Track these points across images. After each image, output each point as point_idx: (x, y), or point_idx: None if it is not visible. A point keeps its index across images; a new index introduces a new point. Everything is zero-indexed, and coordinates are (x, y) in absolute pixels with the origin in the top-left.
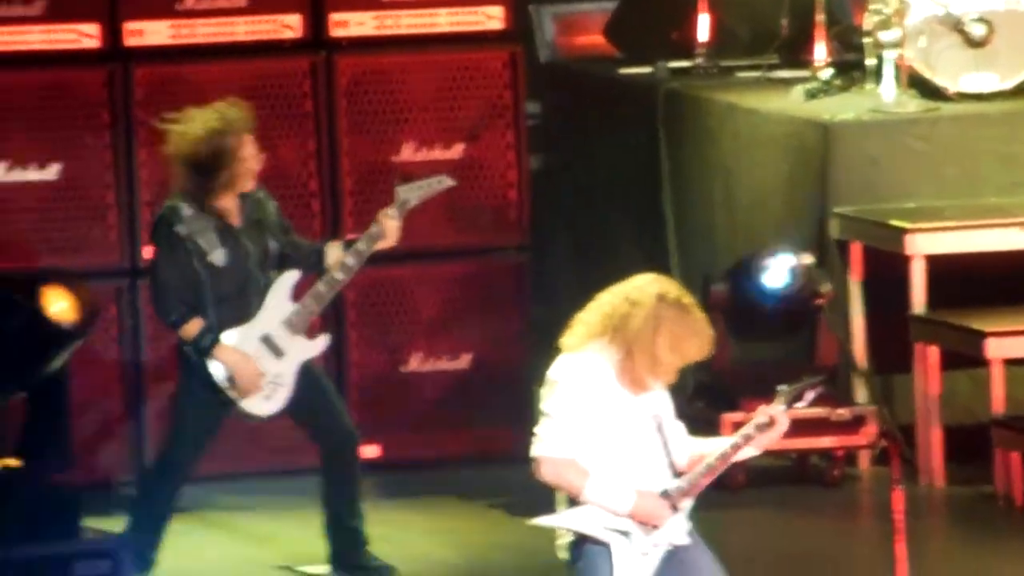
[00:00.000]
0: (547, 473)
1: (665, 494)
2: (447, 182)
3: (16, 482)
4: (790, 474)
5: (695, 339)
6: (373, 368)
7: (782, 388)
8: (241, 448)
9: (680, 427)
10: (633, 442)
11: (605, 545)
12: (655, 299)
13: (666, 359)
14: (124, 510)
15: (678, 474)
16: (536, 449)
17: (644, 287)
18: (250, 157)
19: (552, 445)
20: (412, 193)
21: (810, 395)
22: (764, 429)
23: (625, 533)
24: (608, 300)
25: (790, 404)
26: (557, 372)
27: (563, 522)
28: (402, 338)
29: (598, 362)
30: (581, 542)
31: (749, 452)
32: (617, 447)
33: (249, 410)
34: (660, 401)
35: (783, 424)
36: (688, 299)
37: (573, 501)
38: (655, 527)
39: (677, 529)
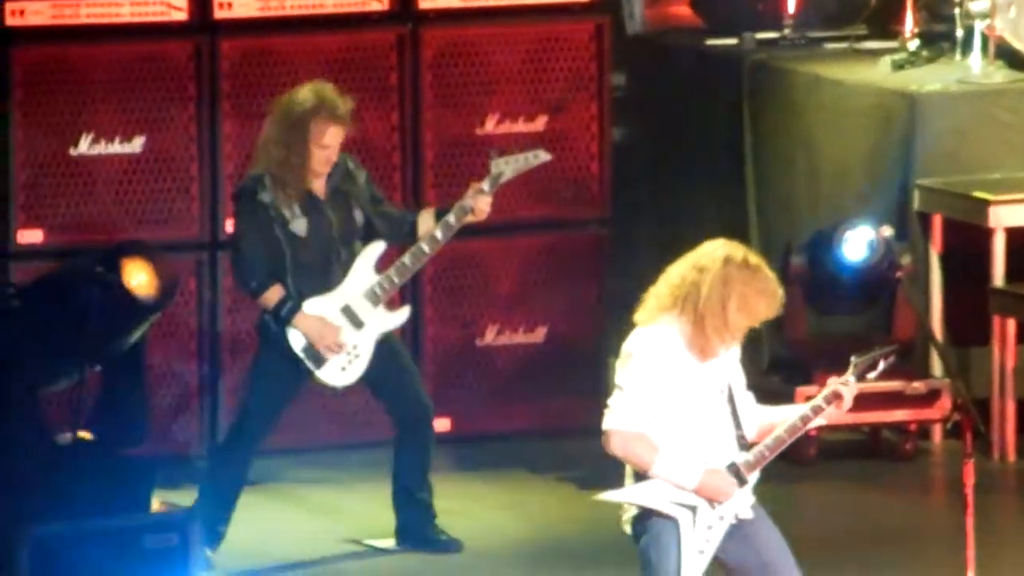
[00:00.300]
0: (616, 446)
1: (732, 467)
2: (543, 156)
3: (90, 454)
4: (862, 448)
5: (763, 298)
6: (448, 341)
7: (855, 358)
8: (311, 421)
9: (750, 396)
10: (703, 415)
11: (671, 519)
12: (721, 262)
13: (735, 320)
14: (197, 483)
15: (746, 445)
16: (607, 422)
17: (710, 252)
18: (329, 146)
19: (623, 418)
20: (507, 167)
21: (882, 365)
22: (834, 401)
23: (691, 508)
24: (677, 271)
25: (862, 375)
26: (631, 345)
27: (629, 497)
28: (478, 311)
29: (671, 334)
30: (646, 516)
31: (818, 422)
32: (687, 420)
33: (326, 380)
34: (732, 370)
35: (852, 397)
36: (755, 259)
37: (640, 476)
38: (720, 502)
39: (743, 502)
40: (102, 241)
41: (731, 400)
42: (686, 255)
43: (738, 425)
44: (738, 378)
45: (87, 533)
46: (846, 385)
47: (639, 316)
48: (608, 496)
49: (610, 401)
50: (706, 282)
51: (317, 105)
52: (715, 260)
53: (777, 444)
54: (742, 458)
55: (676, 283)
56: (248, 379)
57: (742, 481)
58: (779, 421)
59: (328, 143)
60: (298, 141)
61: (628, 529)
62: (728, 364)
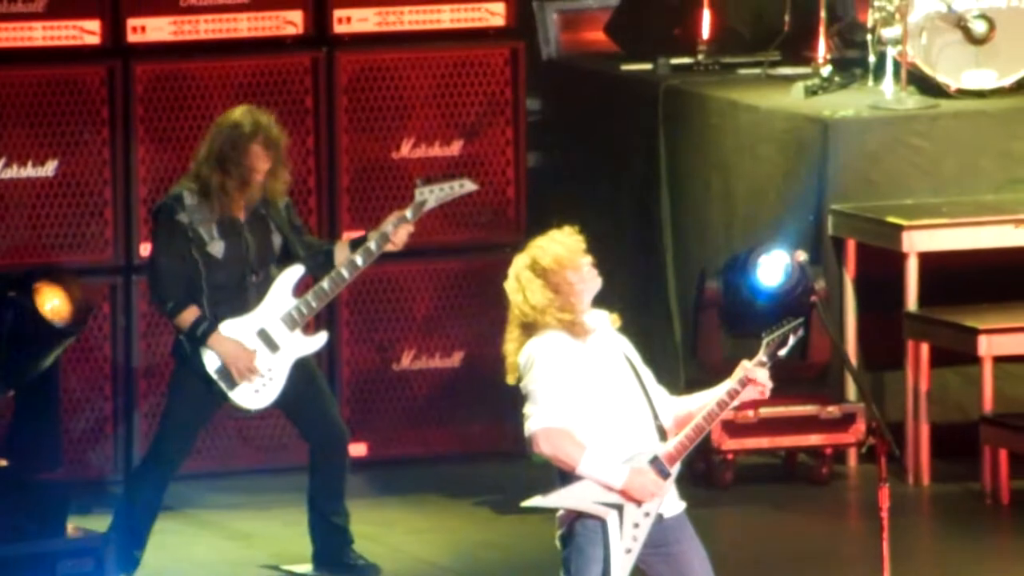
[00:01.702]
0: (544, 446)
1: (655, 461)
2: (469, 186)
3: (3, 480)
4: (778, 472)
5: (562, 254)
6: (365, 366)
7: (765, 336)
8: (228, 446)
9: (662, 390)
10: (619, 406)
11: (598, 520)
12: (514, 275)
13: (562, 283)
14: (112, 508)
15: (665, 436)
16: (529, 426)
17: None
18: (259, 171)
19: (545, 417)
20: (431, 195)
21: (792, 340)
22: (748, 383)
23: (617, 507)
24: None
25: (774, 353)
26: (527, 354)
27: (555, 501)
28: (395, 336)
29: (551, 335)
30: (572, 529)
31: (733, 406)
32: (605, 413)
33: (240, 403)
34: (630, 354)
35: (768, 378)
36: (536, 255)
37: (565, 482)
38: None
39: (667, 499)
40: (15, 265)
41: (644, 390)
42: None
43: (656, 416)
44: (644, 369)
45: (1, 559)
46: (761, 366)
47: (509, 344)
48: (534, 502)
49: (526, 410)
50: (525, 289)
51: (255, 129)
52: (513, 276)
53: (697, 432)
54: (663, 449)
55: (516, 312)
56: (166, 399)
57: (665, 474)
58: (695, 409)
59: (263, 167)
60: (236, 164)
61: (558, 543)
62: (618, 343)
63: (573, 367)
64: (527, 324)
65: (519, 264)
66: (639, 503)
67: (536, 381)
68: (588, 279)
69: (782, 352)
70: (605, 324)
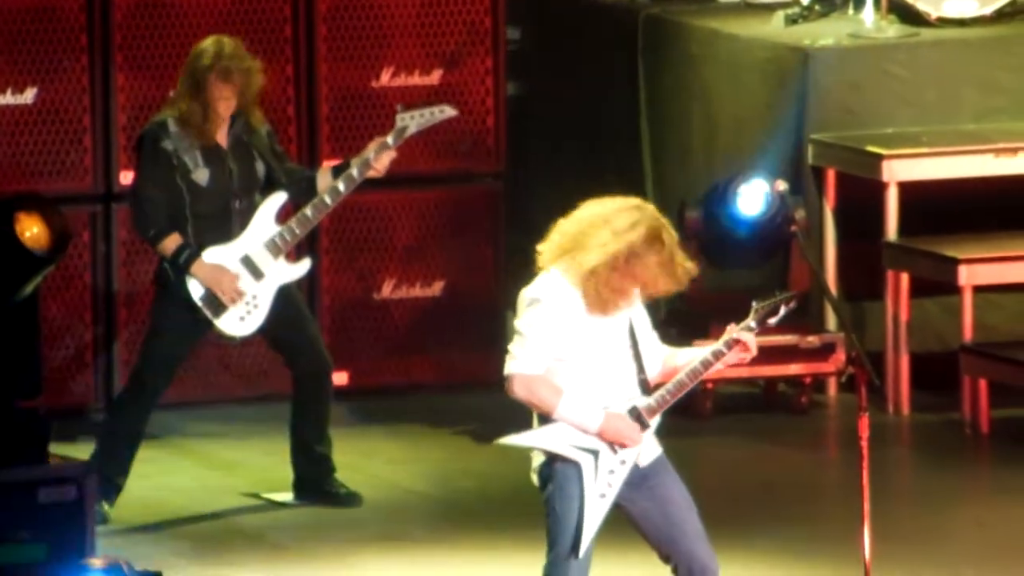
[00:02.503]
0: (519, 390)
1: (633, 411)
2: (449, 112)
3: None
4: (758, 401)
5: (663, 276)
6: (345, 294)
7: (756, 303)
8: (209, 375)
9: (654, 336)
10: (605, 358)
11: (573, 464)
12: (629, 228)
13: (625, 286)
14: (93, 437)
15: (648, 389)
16: (509, 366)
17: (625, 213)
18: (220, 99)
19: (526, 362)
20: (412, 121)
21: (783, 311)
22: (735, 347)
23: (593, 452)
24: (580, 223)
25: (763, 320)
26: (533, 291)
27: (531, 440)
28: (375, 264)
29: (568, 282)
30: (550, 466)
31: (719, 367)
32: (589, 363)
33: (224, 329)
34: (634, 310)
35: (755, 343)
36: (668, 236)
37: (544, 422)
38: (623, 446)
39: (645, 447)
40: None
41: (634, 343)
42: (592, 207)
43: (640, 369)
44: (641, 318)
45: None
46: (748, 331)
47: (538, 263)
48: (510, 440)
49: (511, 347)
50: (609, 244)
51: (214, 59)
52: (625, 226)
53: (678, 388)
54: (644, 402)
55: (576, 233)
56: (149, 327)
57: (644, 425)
58: (682, 364)
59: (226, 95)
60: (199, 93)
61: (535, 479)
62: (632, 312)
63: (568, 313)
64: (566, 254)
65: (639, 214)
66: (615, 448)
67: (528, 321)
68: (636, 298)
69: (772, 321)
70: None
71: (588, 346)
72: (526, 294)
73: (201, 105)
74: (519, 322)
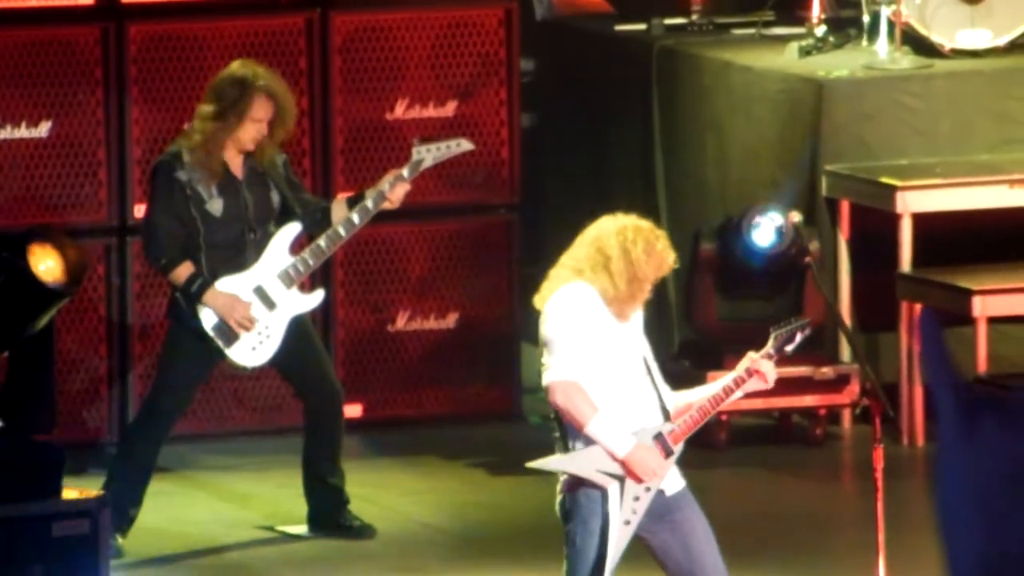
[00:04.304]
0: (559, 397)
1: (659, 436)
2: (465, 145)
3: None
4: (772, 433)
5: (656, 252)
6: (360, 327)
7: (773, 330)
8: (222, 407)
9: (665, 386)
10: (629, 379)
11: (599, 490)
12: (615, 232)
13: (645, 270)
14: (107, 469)
15: (669, 417)
16: (547, 376)
17: (605, 228)
18: (258, 120)
19: (560, 369)
20: (428, 154)
21: (799, 338)
22: (755, 374)
23: (619, 478)
24: (579, 250)
25: (781, 347)
26: (556, 302)
27: (558, 465)
28: (390, 296)
29: (590, 291)
30: (574, 494)
31: (737, 395)
32: (616, 382)
33: (236, 360)
34: (645, 348)
35: (773, 370)
36: (642, 232)
37: (566, 452)
38: (642, 480)
39: (668, 475)
40: (9, 226)
41: (650, 371)
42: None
43: (660, 397)
44: (653, 361)
45: None
46: (767, 358)
47: (547, 286)
48: (538, 464)
49: (544, 359)
50: (611, 247)
51: (253, 78)
52: (610, 232)
53: (702, 415)
54: (668, 428)
55: (581, 256)
56: (161, 357)
57: (668, 451)
58: (695, 401)
59: (261, 117)
60: (234, 114)
61: (558, 511)
62: (641, 338)
63: (593, 322)
64: (580, 271)
65: (621, 224)
66: (637, 480)
67: (557, 331)
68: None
69: (789, 348)
70: (638, 319)
71: (613, 361)
72: (550, 306)
73: (235, 120)
74: (548, 333)
